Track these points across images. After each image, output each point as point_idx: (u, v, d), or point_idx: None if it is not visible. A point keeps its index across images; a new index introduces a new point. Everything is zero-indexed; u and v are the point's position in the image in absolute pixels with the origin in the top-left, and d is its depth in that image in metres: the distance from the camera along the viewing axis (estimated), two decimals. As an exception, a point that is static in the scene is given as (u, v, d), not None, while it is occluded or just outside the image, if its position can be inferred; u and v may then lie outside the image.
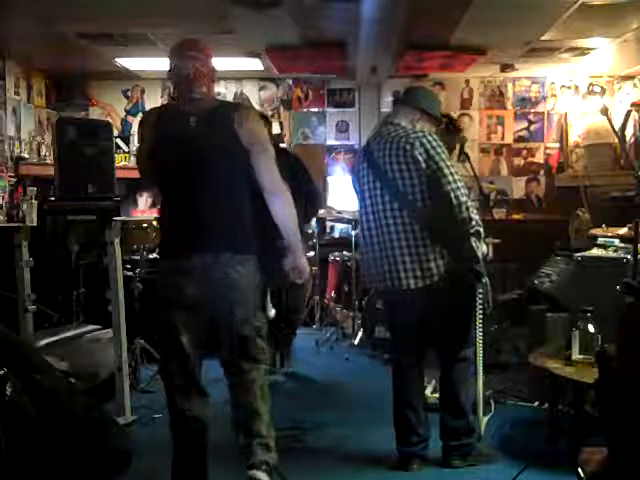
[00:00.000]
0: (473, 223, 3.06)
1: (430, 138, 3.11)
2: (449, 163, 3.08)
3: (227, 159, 2.73)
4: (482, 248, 3.13)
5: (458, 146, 3.64)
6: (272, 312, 4.03)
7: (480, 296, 3.12)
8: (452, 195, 3.03)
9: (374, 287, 3.35)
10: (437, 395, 3.97)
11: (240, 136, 2.69)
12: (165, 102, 7.72)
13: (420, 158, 3.07)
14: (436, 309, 3.16)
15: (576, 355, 3.21)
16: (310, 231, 6.42)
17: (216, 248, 2.70)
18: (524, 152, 7.76)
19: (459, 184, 3.05)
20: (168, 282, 2.78)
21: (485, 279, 3.09)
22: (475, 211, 3.09)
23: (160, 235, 2.93)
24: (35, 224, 5.92)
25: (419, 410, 3.28)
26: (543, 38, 5.77)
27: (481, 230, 3.09)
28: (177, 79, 2.76)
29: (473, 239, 3.05)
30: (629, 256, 3.65)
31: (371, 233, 3.26)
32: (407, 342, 3.32)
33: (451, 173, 3.05)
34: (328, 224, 7.45)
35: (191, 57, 2.71)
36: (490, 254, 3.20)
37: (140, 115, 7.70)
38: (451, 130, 4.57)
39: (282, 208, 2.75)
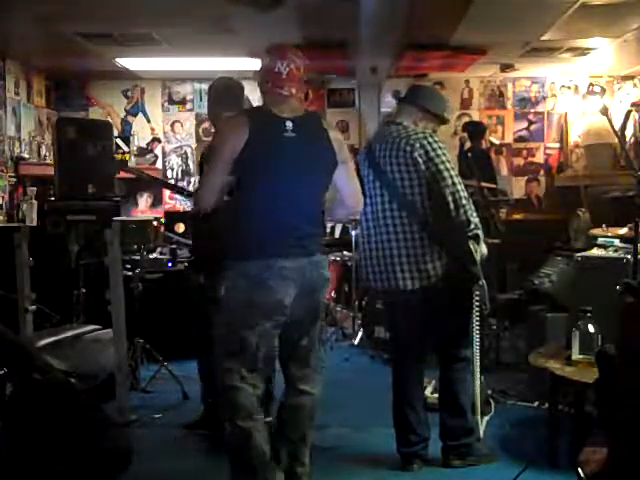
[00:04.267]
0: (472, 226, 3.06)
1: (431, 140, 3.10)
2: (449, 165, 3.07)
3: (324, 161, 2.74)
4: (481, 250, 3.13)
5: (458, 145, 3.64)
6: None
7: (477, 298, 3.13)
8: (450, 198, 3.03)
9: (372, 287, 3.35)
10: (437, 395, 3.98)
11: (333, 142, 2.74)
12: (165, 102, 7.74)
13: (420, 160, 3.07)
14: (433, 310, 3.16)
15: (576, 355, 3.21)
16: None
17: (315, 249, 2.71)
18: (524, 152, 7.76)
19: (458, 187, 3.05)
20: (264, 284, 2.61)
21: (482, 281, 3.09)
22: (475, 214, 3.09)
23: (243, 234, 2.70)
24: (35, 224, 5.92)
25: (419, 410, 3.27)
26: (543, 38, 5.77)
27: (480, 233, 3.09)
28: (275, 76, 2.71)
29: (471, 242, 3.05)
30: (629, 256, 3.65)
31: (370, 232, 3.26)
32: (406, 342, 3.32)
33: (450, 176, 3.05)
34: (328, 224, 7.44)
35: (291, 59, 2.73)
36: (485, 252, 3.20)
37: (140, 115, 7.73)
38: None
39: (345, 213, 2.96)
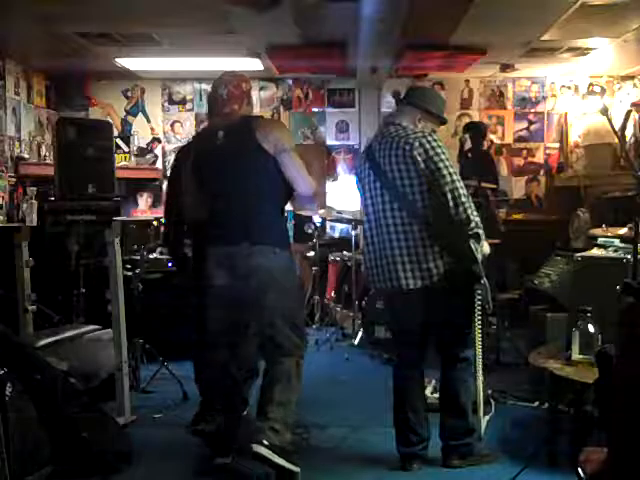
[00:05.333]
0: (472, 225, 3.04)
1: (430, 138, 3.10)
2: (449, 164, 3.07)
3: (251, 160, 3.14)
4: (484, 249, 3.12)
5: (458, 145, 3.64)
6: None
7: (479, 297, 3.12)
8: (450, 196, 3.02)
9: (375, 287, 3.36)
10: (437, 395, 3.96)
11: (263, 144, 3.10)
12: (165, 102, 7.74)
13: (419, 158, 3.06)
14: (435, 309, 3.15)
15: (576, 355, 3.21)
16: (310, 231, 6.42)
17: (243, 239, 3.07)
18: (524, 152, 7.76)
19: (457, 184, 3.04)
20: (208, 271, 3.17)
21: (484, 280, 3.08)
22: (475, 213, 3.08)
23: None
24: (35, 224, 5.92)
25: (419, 410, 3.27)
26: (543, 38, 5.77)
27: (481, 232, 3.07)
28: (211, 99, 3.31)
29: (472, 240, 3.05)
30: (629, 256, 3.65)
31: (372, 233, 3.26)
32: (407, 342, 3.32)
33: (450, 174, 3.04)
34: (328, 224, 7.45)
35: (225, 81, 3.26)
36: (488, 251, 3.20)
37: (140, 115, 7.74)
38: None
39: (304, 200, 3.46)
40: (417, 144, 3.08)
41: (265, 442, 2.92)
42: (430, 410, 3.38)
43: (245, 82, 3.30)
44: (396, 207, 3.14)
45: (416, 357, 3.31)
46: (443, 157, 3.06)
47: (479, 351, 3.23)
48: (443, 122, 3.39)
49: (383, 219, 3.18)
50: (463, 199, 3.03)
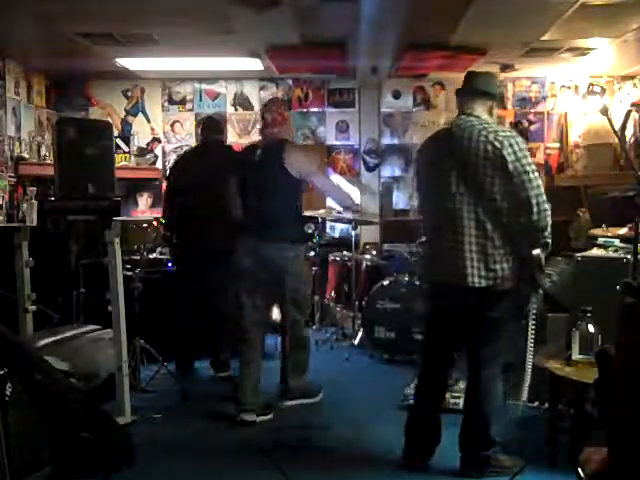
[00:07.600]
0: (546, 234, 3.00)
1: (519, 140, 3.04)
2: (534, 168, 3.01)
3: (279, 176, 4.02)
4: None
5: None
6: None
7: (534, 305, 3.08)
8: (534, 201, 2.96)
9: (431, 280, 3.31)
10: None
11: (289, 163, 4.01)
12: (165, 102, 7.74)
13: (508, 158, 2.98)
14: (487, 311, 3.09)
15: (576, 355, 3.21)
16: (310, 231, 6.42)
17: (266, 237, 4.00)
18: (524, 152, 7.75)
19: (541, 190, 2.99)
20: (243, 259, 4.08)
21: (541, 292, 3.06)
22: (550, 221, 3.02)
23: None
24: (35, 224, 5.92)
25: (434, 415, 3.27)
26: (543, 38, 5.77)
27: (549, 242, 3.02)
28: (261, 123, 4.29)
29: (540, 249, 3.00)
30: (629, 256, 3.65)
31: (438, 225, 3.18)
32: (442, 342, 3.27)
33: (536, 178, 2.98)
34: (328, 224, 7.45)
35: (273, 109, 4.21)
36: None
37: (140, 115, 7.74)
38: None
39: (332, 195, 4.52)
40: (507, 144, 3.00)
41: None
42: (444, 411, 3.38)
43: (286, 114, 4.27)
44: (472, 202, 3.06)
45: (446, 360, 3.29)
46: (530, 161, 3.02)
47: (530, 359, 3.18)
48: (504, 107, 3.41)
49: (457, 211, 3.08)
50: (546, 206, 2.98)
